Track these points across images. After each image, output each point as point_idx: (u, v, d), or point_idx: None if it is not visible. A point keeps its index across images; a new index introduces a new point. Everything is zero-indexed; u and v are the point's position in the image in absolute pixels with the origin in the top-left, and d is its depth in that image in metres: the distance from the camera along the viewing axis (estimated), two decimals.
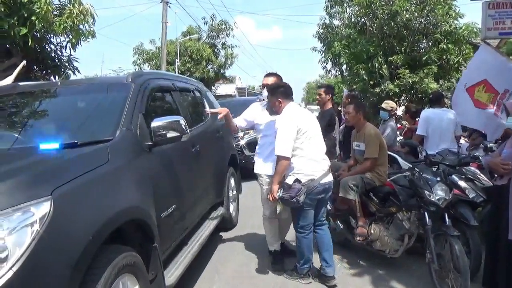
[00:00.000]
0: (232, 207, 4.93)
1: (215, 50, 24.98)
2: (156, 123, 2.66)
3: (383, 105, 5.82)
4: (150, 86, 3.13)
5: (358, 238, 3.73)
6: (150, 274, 2.42)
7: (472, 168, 3.82)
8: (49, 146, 2.25)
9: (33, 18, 6.64)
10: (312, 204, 3.27)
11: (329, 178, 3.34)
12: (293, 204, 3.13)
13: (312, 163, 3.22)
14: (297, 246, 3.41)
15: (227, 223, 4.73)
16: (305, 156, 3.20)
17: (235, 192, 5.14)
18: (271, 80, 3.76)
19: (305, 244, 3.34)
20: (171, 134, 2.71)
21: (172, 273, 2.79)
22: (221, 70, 25.27)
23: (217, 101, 5.76)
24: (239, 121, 3.81)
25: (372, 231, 3.68)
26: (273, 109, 3.39)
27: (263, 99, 3.80)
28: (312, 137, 3.27)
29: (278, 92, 3.33)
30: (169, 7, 17.50)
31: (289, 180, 3.17)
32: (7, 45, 7.56)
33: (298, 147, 3.17)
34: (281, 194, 3.14)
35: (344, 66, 12.34)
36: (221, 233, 4.66)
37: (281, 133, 3.14)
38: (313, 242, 3.43)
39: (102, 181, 2.10)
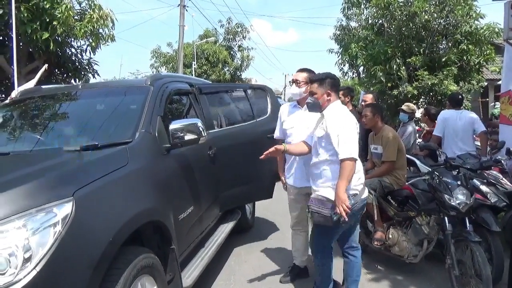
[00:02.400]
0: (248, 209, 4.93)
1: (231, 52, 25.19)
2: (174, 125, 2.69)
3: (404, 107, 5.75)
4: (169, 89, 3.17)
5: (375, 243, 3.68)
6: (167, 275, 2.45)
7: (494, 172, 3.72)
8: (71, 148, 2.31)
9: (54, 23, 6.83)
10: (350, 222, 2.74)
11: (366, 192, 2.89)
12: (331, 222, 2.59)
13: (355, 174, 2.68)
14: (319, 274, 2.95)
15: (243, 224, 4.74)
16: None
17: None
18: (302, 77, 3.27)
19: (326, 274, 2.90)
20: (188, 137, 2.74)
21: (189, 275, 2.81)
22: (237, 72, 25.44)
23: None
24: (276, 133, 3.50)
25: (390, 236, 3.63)
26: (316, 104, 2.82)
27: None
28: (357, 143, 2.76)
29: (328, 83, 2.78)
30: (186, 10, 17.74)
31: (326, 193, 2.66)
32: (30, 49, 7.79)
33: None
34: (314, 207, 2.68)
35: (361, 68, 12.26)
36: (237, 235, 4.67)
37: (344, 132, 2.60)
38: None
39: (121, 183, 2.14)
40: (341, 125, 2.65)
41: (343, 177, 2.56)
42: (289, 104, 3.53)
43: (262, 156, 2.97)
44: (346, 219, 2.51)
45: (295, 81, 3.32)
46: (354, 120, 2.75)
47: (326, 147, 2.72)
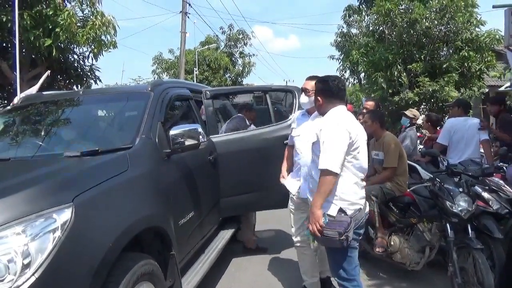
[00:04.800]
0: None
1: (233, 59, 25.32)
2: (174, 131, 2.69)
3: (407, 112, 5.85)
4: (169, 95, 3.18)
5: (377, 250, 3.65)
6: (167, 281, 2.43)
7: (496, 178, 3.71)
8: (71, 153, 2.31)
9: (57, 29, 6.87)
10: (358, 239, 2.51)
11: (367, 206, 2.65)
12: (340, 243, 2.27)
13: (356, 187, 2.44)
14: None
15: None
16: (351, 179, 2.41)
17: None
18: (311, 85, 3.07)
19: None
20: (188, 142, 2.74)
21: (190, 281, 2.79)
22: (239, 78, 25.53)
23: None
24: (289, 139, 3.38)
25: (391, 243, 3.60)
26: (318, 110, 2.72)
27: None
28: (362, 154, 2.48)
29: (318, 89, 2.63)
30: (188, 17, 17.81)
31: (332, 211, 2.35)
32: (32, 56, 7.84)
33: (345, 165, 2.37)
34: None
35: (362, 75, 12.32)
36: (238, 242, 4.65)
37: (329, 141, 2.33)
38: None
39: (122, 188, 2.13)
40: (328, 130, 2.37)
41: (319, 192, 2.31)
42: (300, 111, 3.41)
43: None
44: (318, 235, 2.29)
45: (304, 90, 3.17)
46: (350, 128, 2.38)
47: (318, 155, 2.43)
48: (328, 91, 2.55)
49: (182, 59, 18.21)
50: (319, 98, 2.59)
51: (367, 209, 2.60)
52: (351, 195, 2.39)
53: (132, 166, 2.27)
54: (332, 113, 2.50)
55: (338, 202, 2.36)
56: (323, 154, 2.33)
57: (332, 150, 2.30)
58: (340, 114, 2.48)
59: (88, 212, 1.81)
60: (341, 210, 2.34)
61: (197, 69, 23.09)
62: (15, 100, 3.68)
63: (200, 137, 2.79)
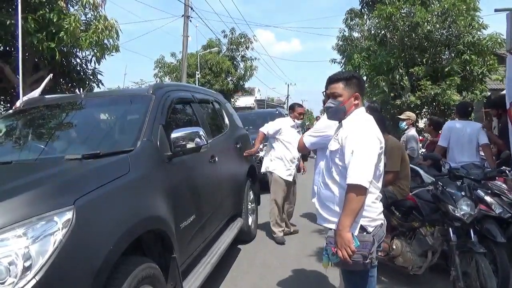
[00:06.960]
0: (250, 219, 4.91)
1: (235, 62, 25.37)
2: (175, 134, 2.70)
3: (401, 116, 5.98)
4: (170, 98, 3.19)
5: (379, 253, 3.63)
6: (169, 285, 2.43)
7: (499, 182, 3.69)
8: (73, 156, 2.31)
9: (61, 33, 6.90)
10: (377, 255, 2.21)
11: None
12: (364, 266, 2.02)
13: (377, 201, 2.18)
14: None
15: (245, 235, 4.71)
16: (375, 193, 2.16)
17: (254, 204, 5.12)
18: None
19: None
20: (190, 145, 2.74)
21: (191, 285, 2.78)
22: (240, 82, 25.58)
23: (236, 113, 5.78)
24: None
25: (394, 247, 3.59)
26: (339, 110, 2.22)
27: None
28: (382, 164, 2.21)
29: (356, 84, 2.23)
30: (190, 21, 17.84)
31: (352, 230, 2.05)
32: (36, 59, 7.87)
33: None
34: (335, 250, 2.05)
35: (364, 78, 12.32)
36: (239, 246, 4.64)
37: (360, 151, 2.02)
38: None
39: (123, 191, 2.14)
40: (359, 139, 2.05)
41: (348, 212, 1.98)
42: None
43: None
44: (350, 263, 1.98)
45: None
46: (379, 135, 2.13)
47: (340, 165, 2.14)
48: (364, 89, 2.28)
49: (184, 62, 18.24)
50: (359, 95, 2.22)
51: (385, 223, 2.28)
52: (372, 210, 2.11)
53: (133, 169, 2.27)
54: (359, 117, 2.19)
55: (358, 219, 2.06)
56: (353, 166, 2.00)
57: (364, 162, 2.00)
58: (367, 118, 2.19)
59: (89, 214, 1.81)
60: (362, 228, 2.07)
61: (199, 72, 23.14)
62: (18, 104, 3.69)
63: (202, 140, 2.80)
